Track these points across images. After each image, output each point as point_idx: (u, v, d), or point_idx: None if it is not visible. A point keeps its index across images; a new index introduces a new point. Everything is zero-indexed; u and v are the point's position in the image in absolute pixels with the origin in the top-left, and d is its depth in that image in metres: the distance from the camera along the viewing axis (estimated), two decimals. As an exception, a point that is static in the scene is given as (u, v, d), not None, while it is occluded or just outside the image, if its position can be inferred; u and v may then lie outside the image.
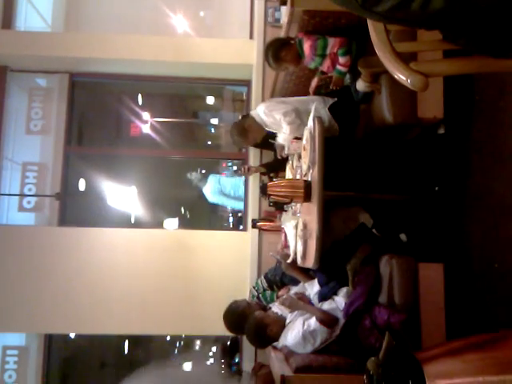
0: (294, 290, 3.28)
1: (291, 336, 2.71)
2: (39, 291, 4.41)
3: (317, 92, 3.34)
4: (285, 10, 3.33)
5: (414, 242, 2.97)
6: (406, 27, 1.39)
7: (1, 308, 4.37)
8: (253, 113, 3.52)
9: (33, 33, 5.02)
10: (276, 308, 3.05)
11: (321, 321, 2.64)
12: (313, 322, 2.66)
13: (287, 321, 2.84)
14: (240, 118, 4.05)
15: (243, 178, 4.92)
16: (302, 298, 2.98)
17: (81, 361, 7.45)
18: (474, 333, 2.58)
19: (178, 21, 5.42)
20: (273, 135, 3.53)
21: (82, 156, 5.62)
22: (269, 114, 3.32)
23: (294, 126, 3.20)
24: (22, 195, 4.87)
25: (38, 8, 5.37)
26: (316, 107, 3.01)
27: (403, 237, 2.99)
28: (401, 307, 2.47)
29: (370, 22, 1.62)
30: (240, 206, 5.40)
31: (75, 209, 5.40)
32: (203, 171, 6.49)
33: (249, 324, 2.89)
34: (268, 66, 3.26)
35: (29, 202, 4.90)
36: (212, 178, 5.55)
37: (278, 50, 3.03)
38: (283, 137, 3.30)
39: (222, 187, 5.42)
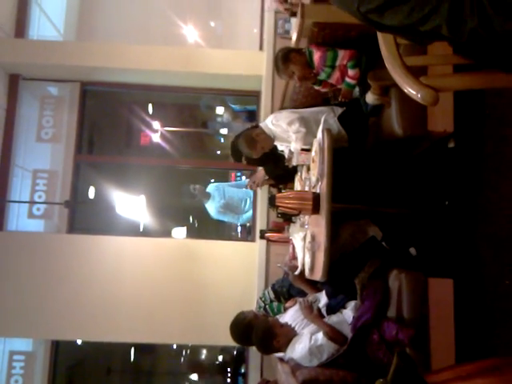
0: (309, 298, 3.24)
1: (298, 349, 2.69)
2: (47, 297, 4.43)
3: (326, 102, 3.33)
4: (295, 22, 3.34)
5: (424, 257, 2.94)
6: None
7: (8, 313, 4.40)
8: (262, 124, 3.53)
9: (45, 42, 5.08)
10: (284, 319, 3.03)
11: (328, 337, 2.61)
12: (320, 337, 2.63)
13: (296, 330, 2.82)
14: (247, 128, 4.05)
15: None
16: (311, 307, 2.95)
17: (87, 367, 7.44)
18: (484, 350, 2.56)
19: (188, 31, 5.46)
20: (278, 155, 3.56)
21: (92, 164, 5.66)
22: (276, 123, 3.32)
23: (299, 134, 3.19)
24: (31, 202, 4.90)
25: (51, 17, 5.44)
26: (325, 118, 3.01)
27: (413, 251, 2.96)
28: (409, 322, 2.44)
29: (379, 35, 1.62)
30: (245, 219, 5.36)
31: (84, 216, 5.42)
32: (212, 180, 6.50)
33: (257, 328, 2.87)
34: (276, 70, 3.24)
35: (38, 209, 4.93)
36: (215, 191, 5.42)
37: (288, 52, 3.05)
38: (293, 146, 3.30)
39: (227, 200, 5.34)
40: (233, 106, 6.22)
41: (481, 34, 1.05)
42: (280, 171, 3.85)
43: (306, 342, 2.66)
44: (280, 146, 3.56)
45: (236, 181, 6.40)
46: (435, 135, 2.79)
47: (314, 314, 2.83)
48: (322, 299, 3.01)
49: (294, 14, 3.54)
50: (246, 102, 5.92)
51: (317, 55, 2.95)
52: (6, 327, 4.47)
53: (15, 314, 4.39)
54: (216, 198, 5.35)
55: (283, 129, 3.28)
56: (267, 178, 4.17)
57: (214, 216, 5.48)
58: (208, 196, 5.41)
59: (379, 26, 1.20)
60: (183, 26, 5.42)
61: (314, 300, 3.03)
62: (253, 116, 5.37)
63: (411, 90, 1.51)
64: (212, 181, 6.31)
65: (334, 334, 2.63)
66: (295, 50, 3.08)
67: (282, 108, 4.18)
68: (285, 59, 3.06)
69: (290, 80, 3.40)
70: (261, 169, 4.14)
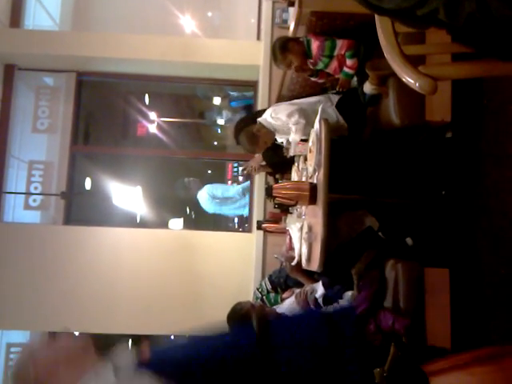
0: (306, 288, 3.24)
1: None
2: (44, 289, 4.42)
3: (323, 92, 3.32)
4: (292, 11, 3.32)
5: (420, 247, 2.94)
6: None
7: (5, 305, 4.39)
8: (260, 119, 3.51)
9: (41, 31, 5.03)
10: (281, 309, 3.03)
11: None
12: None
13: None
14: (240, 119, 4.02)
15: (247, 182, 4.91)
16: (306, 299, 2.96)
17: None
18: (480, 339, 2.58)
19: (185, 21, 5.42)
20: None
21: (88, 155, 5.64)
22: (276, 116, 3.31)
23: (299, 126, 3.18)
24: (27, 193, 4.88)
25: (47, 7, 5.39)
26: (323, 108, 3.00)
27: (409, 241, 2.96)
28: (406, 312, 2.44)
29: (378, 25, 1.61)
30: (237, 211, 5.35)
31: (81, 208, 5.41)
32: (209, 172, 6.48)
33: (254, 318, 2.87)
34: (274, 60, 3.22)
35: (34, 201, 4.92)
36: (205, 190, 5.48)
37: (287, 41, 3.04)
38: (292, 136, 3.29)
39: (213, 193, 5.34)
40: (231, 92, 6.17)
41: (478, 18, 1.04)
42: (277, 159, 3.84)
43: None
44: (279, 139, 3.55)
45: (233, 172, 6.40)
46: (433, 124, 2.79)
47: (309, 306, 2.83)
48: (319, 290, 3.01)
49: (291, 4, 3.52)
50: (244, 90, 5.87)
51: (315, 44, 2.94)
52: (3, 319, 4.47)
53: (12, 307, 4.39)
54: (205, 195, 5.34)
55: (283, 121, 3.28)
56: (264, 163, 4.17)
57: (211, 210, 5.47)
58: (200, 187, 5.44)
59: (379, 9, 1.20)
60: (180, 16, 5.38)
61: (310, 291, 3.03)
62: (250, 108, 5.34)
63: (409, 79, 1.50)
64: (208, 172, 6.29)
65: None
66: (293, 39, 3.07)
67: (280, 98, 4.17)
68: (283, 49, 3.04)
69: (287, 70, 3.39)
70: (258, 154, 4.13)
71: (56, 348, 1.16)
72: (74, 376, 1.09)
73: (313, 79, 3.30)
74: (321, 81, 3.30)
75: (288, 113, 3.21)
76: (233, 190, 5.29)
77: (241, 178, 5.65)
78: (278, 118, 3.29)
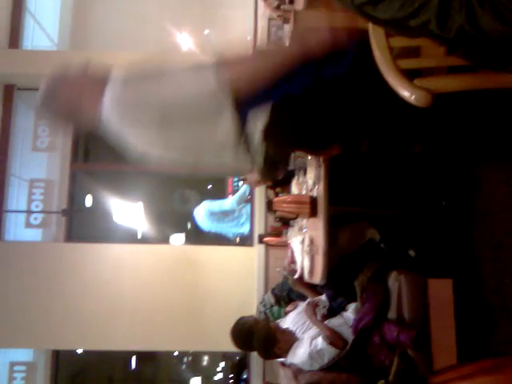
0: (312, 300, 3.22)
1: (299, 355, 2.68)
2: (46, 307, 4.42)
3: None
4: (288, 28, 3.35)
5: (423, 258, 2.94)
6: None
7: (8, 323, 4.38)
8: None
9: (39, 52, 5.09)
10: (285, 324, 3.02)
11: (328, 341, 2.61)
12: (320, 341, 2.63)
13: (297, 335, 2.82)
14: None
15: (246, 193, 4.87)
16: (316, 306, 2.94)
17: (88, 376, 7.42)
18: (485, 349, 2.56)
19: (182, 39, 5.46)
20: None
21: (89, 172, 5.66)
22: None
23: None
24: (28, 212, 4.89)
25: (45, 27, 5.45)
26: None
27: (412, 253, 2.96)
28: (410, 323, 2.44)
29: (373, 39, 1.63)
30: (235, 229, 5.24)
31: (82, 225, 5.42)
32: (209, 187, 6.47)
33: (259, 334, 2.86)
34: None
35: (35, 219, 4.93)
36: (201, 206, 5.32)
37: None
38: None
39: (210, 209, 5.23)
40: None
41: (468, 31, 1.06)
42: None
43: (306, 347, 2.66)
44: None
45: (233, 186, 6.37)
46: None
47: (315, 317, 2.83)
48: (325, 301, 3.01)
49: (286, 21, 3.55)
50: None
51: None
52: (6, 338, 4.46)
53: (15, 325, 4.38)
54: (207, 215, 5.24)
55: None
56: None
57: (208, 228, 5.35)
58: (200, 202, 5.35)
59: (374, 19, 1.22)
60: (177, 34, 5.43)
61: (322, 305, 3.01)
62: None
63: (405, 92, 1.52)
64: (208, 187, 6.25)
65: (333, 337, 2.62)
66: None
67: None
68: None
69: None
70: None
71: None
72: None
73: None
74: None
75: None
76: (228, 202, 5.22)
77: (240, 183, 5.51)
78: None
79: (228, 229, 5.28)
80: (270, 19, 4.61)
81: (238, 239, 5.93)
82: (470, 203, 2.87)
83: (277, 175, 3.57)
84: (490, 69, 1.42)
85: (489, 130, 2.23)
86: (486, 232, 2.72)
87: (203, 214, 5.15)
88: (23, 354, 5.05)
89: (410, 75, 1.57)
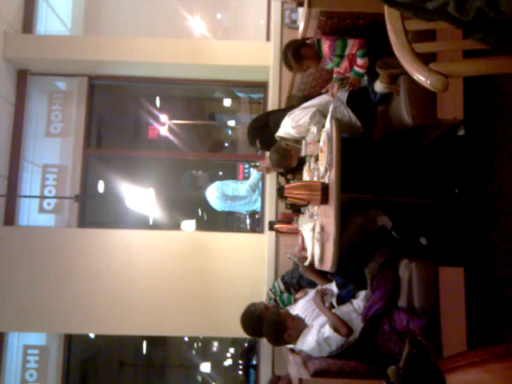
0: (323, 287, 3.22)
1: (307, 342, 2.69)
2: (59, 292, 4.46)
3: None
4: (302, 12, 3.31)
5: (434, 246, 2.92)
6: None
7: (21, 308, 4.44)
8: (280, 134, 3.49)
9: (52, 37, 5.08)
10: (295, 311, 3.03)
11: (335, 329, 2.61)
12: (327, 329, 2.63)
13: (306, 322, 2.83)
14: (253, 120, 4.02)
15: (259, 174, 4.85)
16: (324, 295, 2.94)
17: (100, 360, 7.53)
18: (495, 337, 2.55)
19: (195, 23, 5.43)
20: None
21: (101, 158, 5.69)
22: (295, 125, 3.28)
23: (320, 125, 3.17)
24: (42, 197, 4.93)
25: (58, 12, 5.45)
26: (334, 106, 2.99)
27: (423, 240, 2.94)
28: (420, 311, 2.43)
29: (388, 23, 1.60)
30: (248, 207, 5.26)
31: (94, 210, 5.45)
32: (220, 173, 6.47)
33: (269, 320, 2.86)
34: (288, 68, 3.19)
35: (49, 204, 4.96)
36: (214, 187, 5.30)
37: (298, 48, 3.00)
38: (311, 136, 3.27)
39: (223, 191, 5.22)
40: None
41: (487, 13, 1.04)
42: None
43: (314, 334, 2.67)
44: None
45: (244, 173, 6.36)
46: (445, 123, 2.76)
47: (323, 304, 2.83)
48: (333, 290, 3.01)
49: (301, 4, 3.51)
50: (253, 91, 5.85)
51: (326, 45, 2.92)
52: (20, 322, 4.52)
53: (28, 309, 4.43)
54: (214, 192, 5.24)
55: (305, 127, 3.25)
56: None
57: (220, 208, 5.36)
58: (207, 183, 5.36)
59: (390, 1, 1.20)
60: (190, 19, 5.40)
61: (330, 293, 3.01)
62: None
63: (421, 77, 1.49)
64: (220, 174, 6.26)
65: (340, 325, 2.62)
66: (302, 43, 3.03)
67: (290, 98, 4.16)
68: (297, 57, 3.01)
69: (304, 73, 3.38)
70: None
71: None
72: None
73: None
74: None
75: (310, 115, 3.19)
76: (242, 188, 5.22)
77: (251, 169, 5.50)
78: (300, 124, 3.27)
79: (240, 207, 5.29)
80: (283, 2, 4.56)
81: (248, 226, 5.95)
82: (482, 192, 2.84)
83: (290, 163, 3.57)
84: (507, 53, 1.39)
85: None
86: (498, 221, 2.69)
87: (216, 194, 5.15)
88: (36, 338, 5.12)
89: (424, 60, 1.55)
